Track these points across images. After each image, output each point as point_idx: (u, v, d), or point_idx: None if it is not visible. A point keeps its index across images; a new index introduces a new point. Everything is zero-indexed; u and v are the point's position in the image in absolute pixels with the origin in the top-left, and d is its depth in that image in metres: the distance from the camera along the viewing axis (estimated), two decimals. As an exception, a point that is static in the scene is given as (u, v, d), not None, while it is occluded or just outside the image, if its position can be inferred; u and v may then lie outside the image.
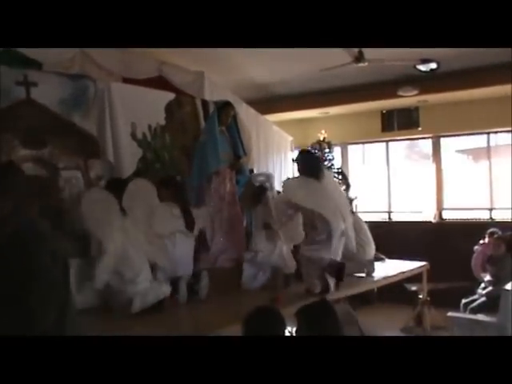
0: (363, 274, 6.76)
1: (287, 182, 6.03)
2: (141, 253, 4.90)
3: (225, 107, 6.08)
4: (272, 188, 6.38)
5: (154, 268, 5.01)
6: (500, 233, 7.68)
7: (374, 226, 8.35)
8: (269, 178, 6.51)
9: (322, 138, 9.86)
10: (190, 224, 5.36)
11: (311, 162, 5.97)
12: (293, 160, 5.99)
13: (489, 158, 9.81)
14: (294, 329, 3.37)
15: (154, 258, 5.00)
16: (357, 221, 7.14)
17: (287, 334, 6.76)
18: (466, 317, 6.66)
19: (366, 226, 7.19)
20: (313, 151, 6.44)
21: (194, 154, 6.04)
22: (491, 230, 7.94)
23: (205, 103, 7.02)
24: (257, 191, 6.24)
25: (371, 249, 7.00)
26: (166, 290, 4.89)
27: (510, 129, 9.12)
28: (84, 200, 5.04)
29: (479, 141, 10.02)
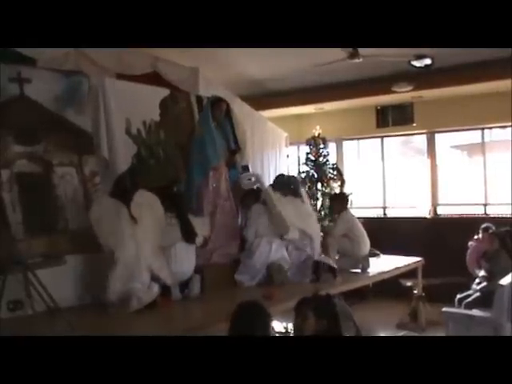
0: (358, 270, 6.78)
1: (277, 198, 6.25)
2: (146, 263, 4.94)
3: (217, 102, 6.11)
4: (264, 187, 6.42)
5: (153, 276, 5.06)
6: (494, 228, 7.70)
7: (369, 222, 8.38)
8: (258, 178, 6.55)
9: (316, 134, 9.86)
10: (191, 236, 5.38)
11: (295, 183, 6.70)
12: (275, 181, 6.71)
13: (483, 153, 9.82)
14: (293, 319, 3.39)
15: (158, 271, 5.05)
16: (349, 217, 7.18)
17: (282, 329, 6.82)
18: (461, 312, 6.67)
19: (358, 222, 7.22)
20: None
21: (192, 151, 6.04)
22: (485, 225, 7.96)
23: (199, 99, 7.00)
24: (252, 194, 6.30)
25: (366, 244, 7.03)
26: (157, 290, 4.95)
27: (504, 124, 9.15)
28: (94, 208, 5.05)
29: (474, 136, 10.03)
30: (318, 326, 3.12)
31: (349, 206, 7.42)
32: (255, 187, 6.43)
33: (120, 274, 4.78)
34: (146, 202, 5.18)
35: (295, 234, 6.15)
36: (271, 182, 6.70)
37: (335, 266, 6.26)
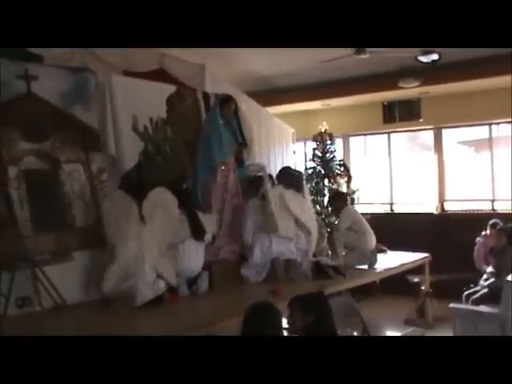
0: (365, 266, 6.77)
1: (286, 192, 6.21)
2: (151, 263, 4.94)
3: (226, 101, 6.11)
4: (267, 179, 6.39)
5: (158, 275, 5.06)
6: (501, 224, 7.68)
7: (376, 218, 8.38)
8: (262, 169, 6.53)
9: (323, 130, 9.85)
10: (200, 233, 5.37)
11: (299, 177, 6.62)
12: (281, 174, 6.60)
13: (491, 149, 9.78)
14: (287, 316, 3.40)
15: (162, 272, 5.04)
16: (352, 211, 7.19)
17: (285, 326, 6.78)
18: (468, 308, 6.66)
19: (362, 217, 7.21)
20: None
21: (198, 148, 6.05)
22: (493, 221, 7.94)
23: (206, 96, 7.00)
24: (254, 181, 6.26)
25: (372, 238, 7.01)
26: (163, 286, 4.95)
27: (511, 120, 9.10)
28: (106, 201, 5.07)
29: (481, 132, 10.00)
30: (305, 321, 3.16)
31: (349, 203, 7.43)
32: (259, 174, 6.40)
33: (117, 271, 4.79)
34: (161, 202, 5.17)
35: (289, 232, 6.12)
36: (277, 173, 6.69)
37: (339, 264, 6.27)
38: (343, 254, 6.90)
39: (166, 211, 5.19)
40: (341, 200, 7.46)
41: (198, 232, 5.34)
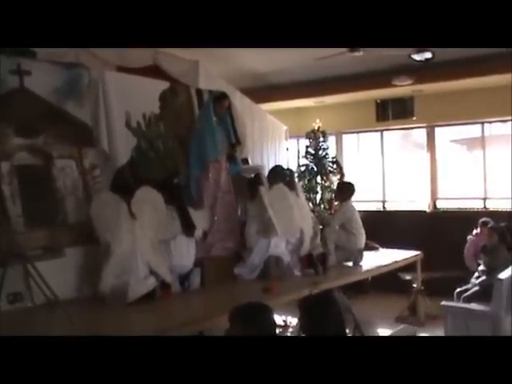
0: (350, 263, 6.77)
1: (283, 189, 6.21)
2: (144, 259, 4.95)
3: (220, 98, 6.10)
4: (265, 181, 6.38)
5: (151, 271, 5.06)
6: (492, 222, 7.72)
7: (368, 216, 8.39)
8: (258, 170, 6.52)
9: (316, 127, 9.85)
10: (190, 229, 5.38)
11: (290, 175, 6.71)
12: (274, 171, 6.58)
13: (483, 147, 9.81)
14: (296, 318, 3.35)
15: (156, 267, 5.05)
16: (350, 207, 7.16)
17: (281, 323, 6.82)
18: (460, 306, 6.68)
19: (358, 215, 7.19)
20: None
21: (191, 144, 6.04)
22: (483, 219, 7.98)
23: (199, 92, 7.00)
24: (250, 183, 6.26)
25: (362, 238, 7.00)
26: (153, 281, 4.96)
27: (504, 118, 9.14)
28: (94, 202, 5.08)
29: (474, 130, 10.02)
30: (322, 325, 3.03)
31: (352, 198, 7.38)
32: (256, 175, 6.40)
33: (114, 268, 4.81)
34: (148, 199, 5.19)
35: (286, 232, 6.10)
36: (268, 173, 6.66)
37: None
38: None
39: (154, 207, 5.21)
40: (346, 192, 7.34)
41: (188, 228, 5.36)
